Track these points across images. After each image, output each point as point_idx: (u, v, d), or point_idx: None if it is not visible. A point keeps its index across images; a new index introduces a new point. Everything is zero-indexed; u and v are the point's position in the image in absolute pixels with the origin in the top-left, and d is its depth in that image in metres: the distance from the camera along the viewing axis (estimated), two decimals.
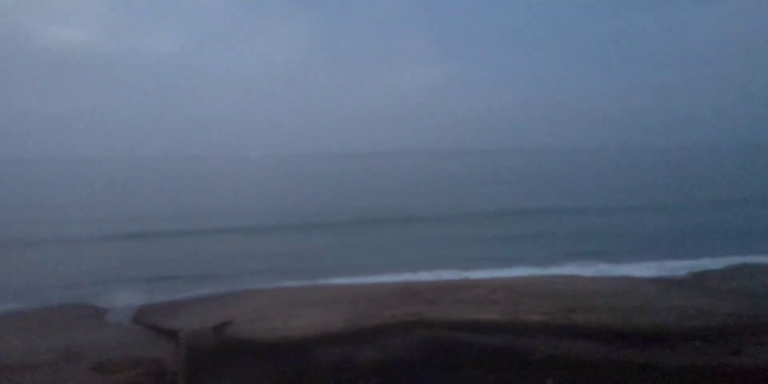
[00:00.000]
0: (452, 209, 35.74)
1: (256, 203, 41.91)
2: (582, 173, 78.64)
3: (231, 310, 12.96)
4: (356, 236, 25.99)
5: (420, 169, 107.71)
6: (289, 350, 9.66)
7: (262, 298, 14.29)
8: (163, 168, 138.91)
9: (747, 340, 9.43)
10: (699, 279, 15.66)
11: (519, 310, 11.61)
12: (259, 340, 10.27)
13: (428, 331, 10.32)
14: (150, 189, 61.25)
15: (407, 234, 26.61)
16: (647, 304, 12.13)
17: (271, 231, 27.81)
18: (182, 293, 15.77)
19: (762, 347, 9.02)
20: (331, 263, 19.65)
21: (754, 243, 21.38)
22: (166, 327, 11.39)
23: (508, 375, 8.23)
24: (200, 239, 25.74)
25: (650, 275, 16.31)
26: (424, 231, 27.53)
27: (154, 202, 43.23)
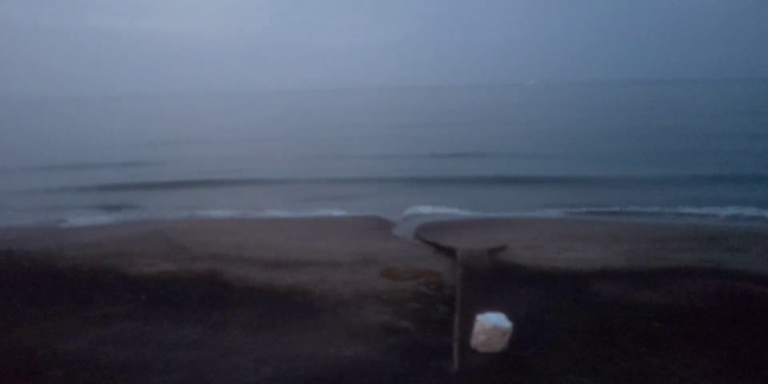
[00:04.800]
0: None
1: (559, 132, 41.06)
2: None
3: (504, 235, 13.18)
4: (657, 168, 23.82)
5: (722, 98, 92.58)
6: (562, 281, 9.48)
7: (535, 228, 14.21)
8: (450, 97, 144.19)
9: None
10: None
11: None
12: (532, 267, 10.29)
13: (726, 281, 9.08)
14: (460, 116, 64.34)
15: (711, 166, 23.54)
16: None
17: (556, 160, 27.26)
18: (459, 215, 16.61)
19: None
20: (612, 197, 18.44)
21: None
22: (445, 245, 12.10)
23: None
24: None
25: None
26: (730, 164, 24.02)
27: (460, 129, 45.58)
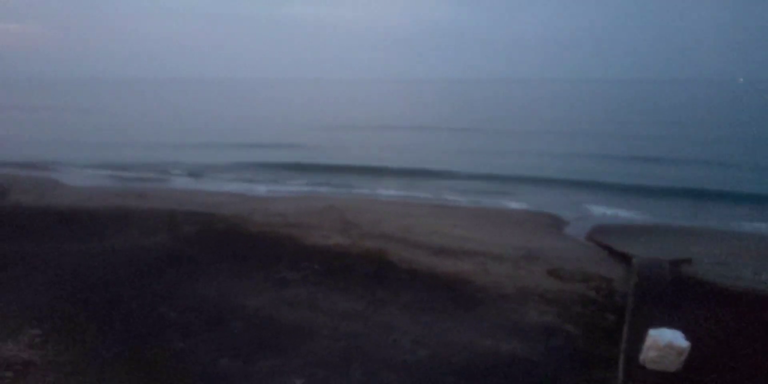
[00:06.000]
0: None
1: None
2: None
3: (691, 247, 11.95)
4: None
5: None
6: (757, 305, 8.37)
7: (731, 242, 12.64)
8: (652, 92, 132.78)
9: None
10: None
11: None
12: (721, 285, 9.22)
13: None
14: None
15: None
16: None
17: None
18: (639, 220, 15.41)
19: None
20: None
21: None
22: (620, 250, 11.33)
23: None
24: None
25: None
26: None
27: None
